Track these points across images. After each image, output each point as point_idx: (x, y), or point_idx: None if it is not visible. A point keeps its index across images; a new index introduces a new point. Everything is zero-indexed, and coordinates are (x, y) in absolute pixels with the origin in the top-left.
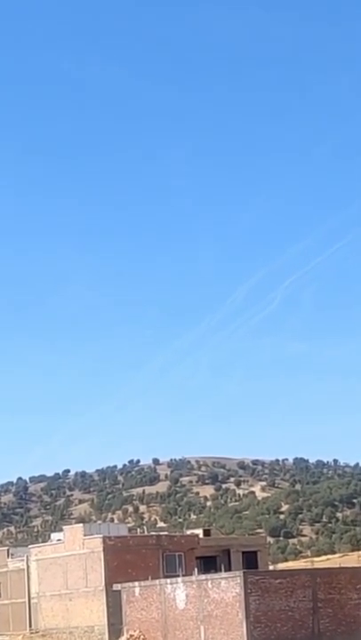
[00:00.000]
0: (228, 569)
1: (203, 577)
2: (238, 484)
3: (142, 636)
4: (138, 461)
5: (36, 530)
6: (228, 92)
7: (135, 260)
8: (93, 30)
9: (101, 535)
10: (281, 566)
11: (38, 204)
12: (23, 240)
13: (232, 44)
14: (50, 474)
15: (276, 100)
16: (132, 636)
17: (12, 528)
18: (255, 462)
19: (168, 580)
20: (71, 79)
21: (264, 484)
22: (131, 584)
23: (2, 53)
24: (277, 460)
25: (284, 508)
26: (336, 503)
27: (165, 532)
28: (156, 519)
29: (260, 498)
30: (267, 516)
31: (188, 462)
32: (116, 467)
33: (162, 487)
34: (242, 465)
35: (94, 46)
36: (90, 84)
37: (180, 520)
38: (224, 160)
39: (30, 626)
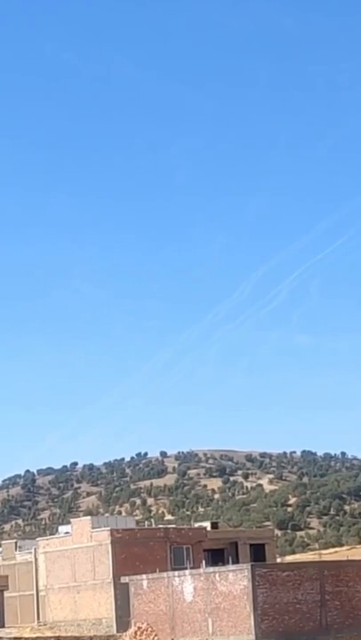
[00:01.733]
0: (236, 562)
1: (210, 570)
2: (246, 476)
3: (150, 629)
4: (145, 454)
5: (43, 523)
6: (232, 86)
7: (141, 252)
8: (95, 22)
9: (109, 528)
10: (289, 559)
11: (41, 197)
12: (27, 233)
13: (234, 38)
14: (58, 466)
15: (279, 92)
16: (139, 628)
17: (20, 521)
18: (263, 455)
19: (176, 573)
20: (73, 72)
21: (272, 476)
22: (138, 577)
23: (3, 46)
24: (285, 453)
25: (292, 500)
26: (344, 496)
27: (173, 525)
28: (163, 512)
29: (267, 490)
30: (274, 508)
31: (196, 455)
32: (123, 459)
33: (169, 480)
34: (249, 458)
35: (96, 39)
36: (92, 77)
37: (188, 513)
38: (229, 152)
39: (38, 618)
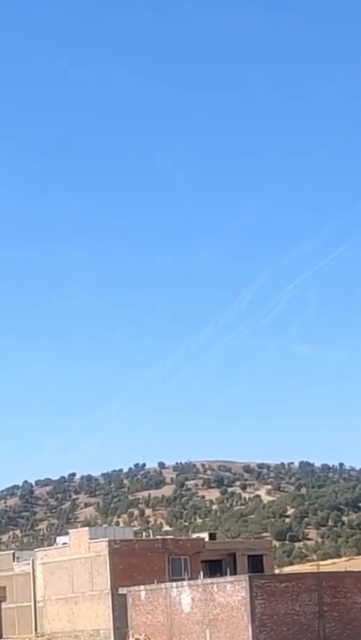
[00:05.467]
0: (234, 573)
1: (208, 581)
2: (244, 487)
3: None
4: (143, 465)
5: (41, 533)
6: (229, 91)
7: (140, 261)
8: (94, 30)
9: (107, 539)
10: (287, 570)
11: (40, 204)
12: (26, 241)
13: (232, 43)
14: (55, 477)
15: (278, 100)
16: (137, 639)
17: (17, 531)
18: (261, 466)
19: (174, 584)
20: (70, 79)
21: (270, 487)
22: (136, 587)
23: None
24: (283, 464)
25: (290, 511)
26: (342, 507)
27: (171, 536)
28: (161, 523)
29: (265, 501)
30: (272, 519)
31: (194, 466)
32: (121, 470)
33: (167, 491)
34: (247, 468)
35: (94, 45)
36: (90, 83)
37: (186, 524)
38: (226, 161)
39: (36, 629)
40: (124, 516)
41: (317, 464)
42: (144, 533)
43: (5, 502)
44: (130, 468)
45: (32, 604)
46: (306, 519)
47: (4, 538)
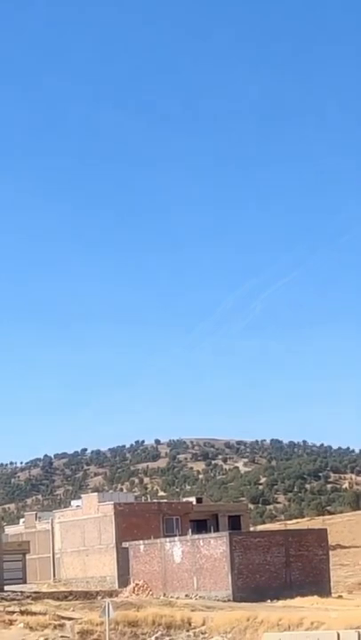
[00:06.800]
0: (217, 530)
1: (196, 536)
2: (225, 460)
3: (145, 585)
4: (143, 442)
5: (59, 498)
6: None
7: (138, 278)
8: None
9: (112, 502)
10: (260, 528)
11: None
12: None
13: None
14: (70, 451)
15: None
16: (137, 584)
17: (39, 496)
18: (239, 443)
19: (167, 539)
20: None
21: (246, 460)
22: (136, 542)
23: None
24: (257, 441)
25: (263, 480)
26: (305, 476)
27: (165, 500)
28: (157, 489)
29: (242, 472)
30: (248, 486)
31: (184, 442)
32: (124, 446)
33: (162, 463)
34: (228, 445)
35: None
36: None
37: (177, 490)
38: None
39: (54, 576)
40: (127, 483)
41: (285, 441)
42: (143, 498)
43: (29, 472)
44: (131, 445)
45: (51, 555)
46: (275, 486)
47: (29, 501)
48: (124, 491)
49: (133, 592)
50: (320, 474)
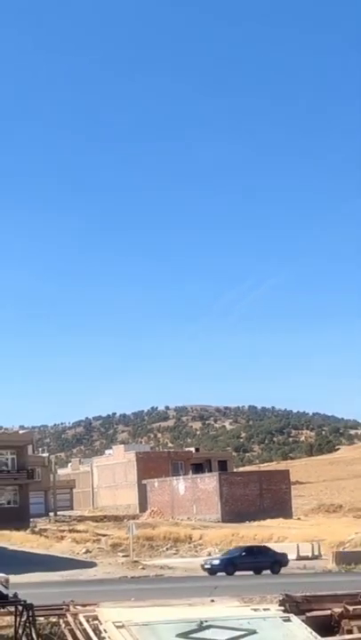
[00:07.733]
0: (210, 471)
1: (194, 476)
2: (216, 421)
3: (159, 511)
4: (156, 407)
5: (96, 448)
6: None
7: (143, 287)
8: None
9: (135, 451)
10: (241, 469)
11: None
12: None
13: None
14: (104, 415)
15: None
16: (153, 510)
17: (82, 447)
18: (226, 408)
19: (174, 478)
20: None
21: (231, 420)
22: (152, 480)
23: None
24: (239, 407)
25: (243, 435)
26: (273, 432)
27: (173, 450)
28: (167, 442)
29: (228, 429)
30: (233, 439)
31: (186, 408)
32: (143, 410)
33: (171, 423)
34: (218, 410)
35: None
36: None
37: (181, 442)
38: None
39: (93, 505)
40: (145, 437)
41: (259, 406)
42: (157, 448)
43: (75, 430)
44: (148, 409)
45: (90, 489)
46: (252, 439)
47: (74, 451)
48: (143, 443)
49: (150, 516)
50: (284, 430)
